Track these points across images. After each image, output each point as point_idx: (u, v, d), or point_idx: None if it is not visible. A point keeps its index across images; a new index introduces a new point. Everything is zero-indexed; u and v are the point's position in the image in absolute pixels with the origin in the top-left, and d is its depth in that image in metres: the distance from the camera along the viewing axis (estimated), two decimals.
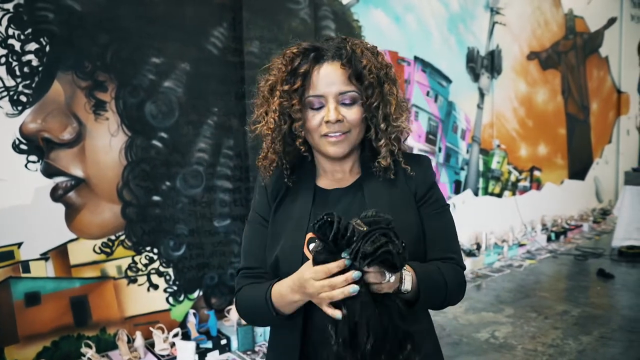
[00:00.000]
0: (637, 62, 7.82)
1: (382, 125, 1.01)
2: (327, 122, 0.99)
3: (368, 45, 1.04)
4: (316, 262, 0.87)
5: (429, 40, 4.48)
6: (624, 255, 4.85)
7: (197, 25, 2.99)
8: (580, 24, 6.48)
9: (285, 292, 0.95)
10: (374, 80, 0.99)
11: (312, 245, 0.88)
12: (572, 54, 6.37)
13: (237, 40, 3.15)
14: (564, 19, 6.18)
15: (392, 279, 0.85)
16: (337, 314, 0.84)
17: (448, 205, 1.10)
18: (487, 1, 5.03)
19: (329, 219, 0.82)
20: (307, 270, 0.88)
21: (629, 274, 4.37)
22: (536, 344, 2.94)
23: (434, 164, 4.60)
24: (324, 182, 1.10)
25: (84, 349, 2.55)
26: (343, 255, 0.84)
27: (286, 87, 0.99)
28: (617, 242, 4.97)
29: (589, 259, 4.86)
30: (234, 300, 1.10)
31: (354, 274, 0.83)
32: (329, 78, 0.98)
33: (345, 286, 0.83)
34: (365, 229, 0.81)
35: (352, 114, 1.00)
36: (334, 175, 1.09)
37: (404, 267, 0.91)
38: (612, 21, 7.07)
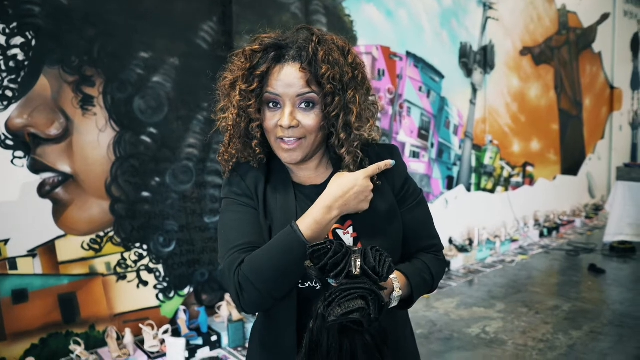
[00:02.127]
0: (630, 57, 7.83)
1: (342, 135, 0.96)
2: (281, 126, 0.94)
3: (339, 44, 0.97)
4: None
5: (421, 35, 4.46)
6: (615, 251, 4.86)
7: (186, 20, 2.97)
8: (573, 19, 6.48)
9: (318, 215, 0.90)
10: (334, 88, 0.93)
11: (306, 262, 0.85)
12: (565, 49, 6.37)
13: (227, 34, 3.13)
14: (557, 14, 6.17)
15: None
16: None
17: (421, 190, 1.10)
18: None
19: (327, 247, 0.80)
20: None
21: (620, 269, 4.38)
22: (527, 339, 2.94)
23: (426, 159, 4.60)
24: (297, 177, 1.05)
25: (72, 347, 2.53)
26: (329, 280, 0.83)
27: (244, 87, 0.95)
28: (608, 238, 4.99)
29: (581, 254, 4.88)
30: (234, 274, 0.91)
31: None
32: (287, 79, 0.93)
33: None
34: (354, 275, 0.80)
35: (309, 119, 0.94)
36: (300, 173, 1.05)
37: (395, 277, 0.93)
38: (605, 17, 7.08)
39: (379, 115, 1.13)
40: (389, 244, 0.99)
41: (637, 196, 4.85)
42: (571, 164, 6.70)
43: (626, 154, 7.74)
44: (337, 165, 1.03)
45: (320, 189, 1.01)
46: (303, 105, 0.94)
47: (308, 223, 0.90)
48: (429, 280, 1.02)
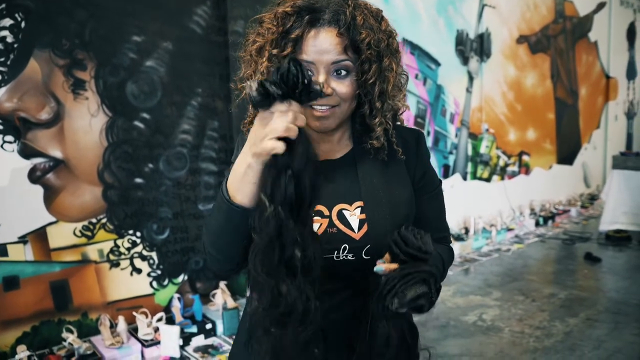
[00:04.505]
0: (626, 47, 7.82)
1: (377, 104, 0.92)
2: None
3: (372, 9, 0.93)
4: (256, 105, 0.72)
5: (417, 22, 4.42)
6: (611, 240, 4.87)
7: (180, 3, 2.91)
8: (569, 7, 6.44)
9: (236, 164, 0.79)
10: (372, 55, 0.89)
11: (253, 85, 0.72)
12: (561, 38, 6.34)
13: (221, 19, 3.07)
14: (553, 2, 6.14)
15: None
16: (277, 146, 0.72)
17: (440, 181, 1.06)
18: None
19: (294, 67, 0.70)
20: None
21: (615, 258, 4.39)
22: (523, 326, 2.94)
23: None
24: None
25: (65, 334, 2.50)
26: (376, 269, 0.80)
27: (275, 51, 0.89)
28: (604, 227, 4.99)
29: (577, 243, 4.88)
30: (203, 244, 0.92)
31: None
32: (322, 45, 0.87)
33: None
34: (400, 262, 0.78)
35: (344, 87, 0.90)
36: (320, 146, 1.00)
37: None
38: (601, 5, 7.05)
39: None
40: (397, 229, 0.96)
41: (632, 185, 4.85)
42: (567, 153, 6.69)
43: (621, 144, 7.75)
44: (358, 141, 0.99)
45: (335, 164, 0.98)
46: (339, 72, 0.90)
47: (230, 177, 0.81)
48: (445, 268, 1.01)
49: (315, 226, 0.90)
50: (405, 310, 0.76)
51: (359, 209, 0.94)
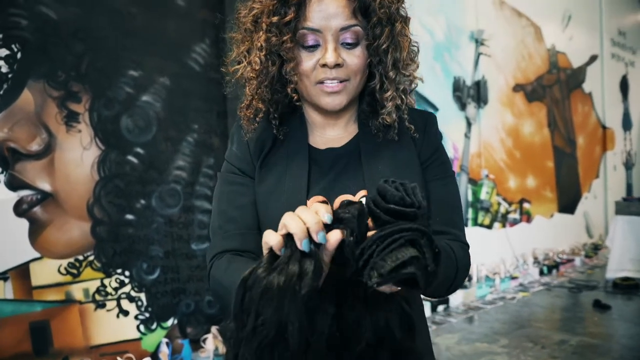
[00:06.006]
0: (620, 99, 7.93)
1: (391, 74, 0.83)
2: (324, 65, 0.80)
3: None
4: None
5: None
6: (619, 288, 4.70)
7: (178, 40, 2.92)
8: (562, 59, 6.57)
9: None
10: (385, 16, 0.80)
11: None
12: (556, 88, 6.43)
13: (220, 57, 3.08)
14: (547, 53, 6.26)
15: None
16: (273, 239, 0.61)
17: (454, 172, 0.95)
18: (472, 32, 5.07)
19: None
20: None
21: (625, 305, 4.21)
22: None
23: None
24: (315, 140, 0.92)
25: None
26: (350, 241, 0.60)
27: (275, 19, 0.80)
28: (611, 274, 4.83)
29: (584, 291, 4.71)
30: (209, 265, 0.86)
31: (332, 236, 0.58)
32: (328, 9, 0.79)
33: (315, 224, 0.58)
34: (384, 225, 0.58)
35: (355, 57, 0.82)
36: (326, 132, 0.92)
37: None
38: (593, 58, 7.20)
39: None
40: None
41: (637, 230, 4.74)
42: (568, 202, 6.62)
43: (622, 194, 7.68)
44: (364, 124, 0.90)
45: (338, 152, 0.89)
46: (348, 40, 0.81)
47: None
48: (453, 258, 0.81)
49: None
50: (389, 284, 0.56)
51: (364, 199, 0.85)
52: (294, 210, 0.67)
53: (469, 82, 5.03)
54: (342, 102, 0.85)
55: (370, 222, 0.61)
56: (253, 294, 0.58)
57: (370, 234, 0.59)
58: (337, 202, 0.84)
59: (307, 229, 0.58)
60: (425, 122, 0.93)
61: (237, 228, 0.87)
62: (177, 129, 2.89)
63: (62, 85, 2.50)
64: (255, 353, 0.57)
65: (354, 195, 0.85)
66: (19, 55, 2.37)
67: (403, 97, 0.87)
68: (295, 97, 0.87)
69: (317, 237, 0.58)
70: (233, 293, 0.72)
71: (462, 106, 4.95)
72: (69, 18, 2.51)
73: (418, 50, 0.91)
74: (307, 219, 0.58)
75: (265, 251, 0.62)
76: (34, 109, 2.42)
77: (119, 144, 2.67)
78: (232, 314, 0.59)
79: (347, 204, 0.62)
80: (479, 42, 5.13)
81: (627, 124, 8.05)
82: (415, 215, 0.58)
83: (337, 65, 0.81)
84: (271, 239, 0.61)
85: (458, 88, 4.90)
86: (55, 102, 2.48)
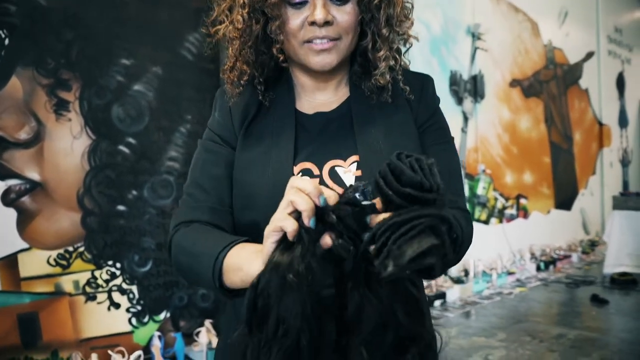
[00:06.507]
0: (617, 96, 7.92)
1: (384, 31, 0.79)
2: (312, 23, 0.76)
3: None
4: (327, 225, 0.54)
5: (411, 61, 4.41)
6: (616, 283, 4.67)
7: (171, 29, 2.87)
8: (559, 55, 6.55)
9: (245, 259, 0.64)
10: None
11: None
12: (553, 83, 6.40)
13: (213, 46, 3.02)
14: (544, 49, 6.24)
15: None
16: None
17: (453, 138, 0.91)
18: (468, 26, 5.04)
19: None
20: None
21: (623, 300, 4.18)
22: None
23: None
24: (302, 105, 0.86)
25: None
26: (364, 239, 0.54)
27: None
28: (608, 269, 4.80)
29: (581, 286, 4.68)
30: (171, 233, 0.81)
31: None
32: None
33: (305, 210, 0.54)
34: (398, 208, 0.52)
35: (345, 14, 0.77)
36: (315, 96, 0.87)
37: None
38: (590, 55, 7.18)
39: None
40: None
41: (635, 225, 4.72)
42: (564, 198, 6.59)
43: (618, 191, 7.65)
44: (356, 86, 0.85)
45: (329, 116, 0.83)
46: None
47: (234, 263, 0.67)
48: (457, 228, 0.74)
49: None
50: (407, 274, 0.51)
51: (355, 164, 0.80)
52: (280, 181, 0.63)
53: (465, 77, 5.00)
54: (332, 61, 0.80)
55: (378, 202, 0.56)
56: (272, 292, 0.52)
57: (379, 217, 0.54)
58: (327, 168, 0.80)
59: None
60: (421, 84, 0.88)
61: (209, 200, 0.82)
62: (169, 119, 2.84)
63: (51, 72, 2.44)
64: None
65: (344, 160, 0.80)
66: (6, 41, 2.32)
67: (397, 56, 0.83)
68: (282, 58, 0.82)
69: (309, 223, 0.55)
70: (205, 263, 0.67)
71: (459, 100, 4.92)
72: (59, 4, 2.46)
73: (412, 7, 0.86)
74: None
75: (272, 237, 0.57)
76: (23, 97, 2.36)
77: (110, 133, 2.62)
78: (245, 319, 0.54)
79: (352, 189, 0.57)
80: (475, 37, 5.10)
81: (623, 121, 8.04)
82: (433, 201, 0.52)
83: (327, 23, 0.76)
84: (288, 223, 0.55)
85: (455, 82, 4.86)
86: (44, 90, 2.42)
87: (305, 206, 0.54)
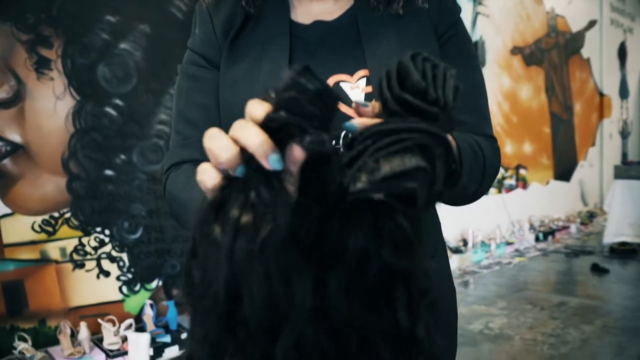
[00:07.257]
0: (618, 66, 7.78)
1: None
2: None
3: None
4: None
5: None
6: (616, 252, 4.63)
7: None
8: (561, 23, 6.39)
9: None
10: None
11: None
12: (554, 52, 6.26)
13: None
14: (546, 16, 6.07)
15: None
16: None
17: (477, 54, 0.78)
18: None
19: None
20: None
21: (623, 269, 4.14)
22: (535, 333, 2.66)
23: None
24: (299, 14, 0.74)
25: (17, 342, 2.18)
26: (346, 126, 0.43)
27: None
28: (608, 239, 4.75)
29: (580, 256, 4.63)
30: (164, 178, 0.72)
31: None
32: None
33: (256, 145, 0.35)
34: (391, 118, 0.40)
35: None
36: (313, 5, 0.74)
37: None
38: (592, 23, 7.02)
39: None
40: None
41: (636, 195, 4.64)
42: (564, 169, 6.51)
43: (617, 162, 7.60)
44: None
45: (330, 26, 0.71)
46: None
47: None
48: (480, 158, 0.63)
49: None
50: (378, 194, 0.38)
51: (364, 79, 0.68)
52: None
53: None
54: None
55: (377, 106, 0.44)
56: (209, 240, 0.38)
57: (364, 121, 0.42)
58: (330, 83, 0.68)
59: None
60: None
61: (199, 134, 0.69)
62: (158, 80, 2.71)
63: (31, 28, 2.30)
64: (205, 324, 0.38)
65: (351, 75, 0.69)
66: None
67: None
68: None
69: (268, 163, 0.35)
70: (192, 212, 0.54)
71: None
72: None
73: None
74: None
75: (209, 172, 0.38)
76: (1, 54, 2.22)
77: (96, 94, 2.49)
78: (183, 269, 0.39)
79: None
80: (477, 1, 4.93)
81: (624, 92, 7.92)
82: (436, 117, 0.40)
83: None
84: (222, 153, 0.35)
85: None
86: (24, 46, 2.28)
87: (224, 157, 0.36)
